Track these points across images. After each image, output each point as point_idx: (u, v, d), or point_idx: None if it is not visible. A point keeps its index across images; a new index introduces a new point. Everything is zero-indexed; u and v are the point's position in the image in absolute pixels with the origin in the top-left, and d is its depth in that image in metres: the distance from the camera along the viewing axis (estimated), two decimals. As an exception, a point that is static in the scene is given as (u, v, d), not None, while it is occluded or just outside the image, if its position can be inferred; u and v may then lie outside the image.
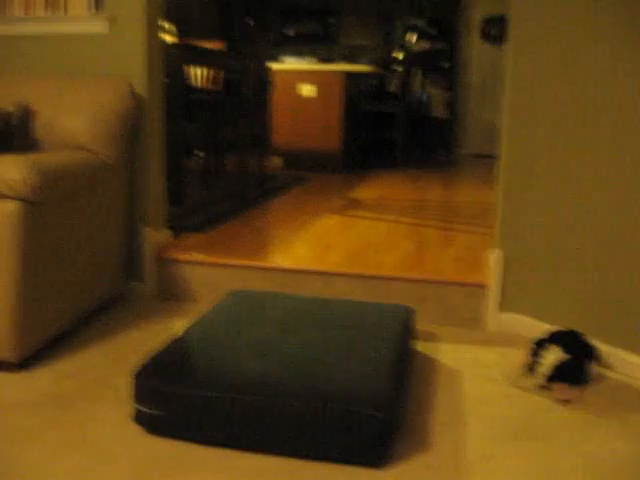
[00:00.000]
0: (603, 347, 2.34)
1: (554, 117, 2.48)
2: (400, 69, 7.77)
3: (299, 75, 6.50)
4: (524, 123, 2.57)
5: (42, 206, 2.22)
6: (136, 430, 1.87)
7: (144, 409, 1.83)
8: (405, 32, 9.26)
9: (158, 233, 3.09)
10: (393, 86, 7.78)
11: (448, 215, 4.36)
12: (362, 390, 1.76)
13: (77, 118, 2.69)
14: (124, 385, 2.15)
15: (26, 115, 2.68)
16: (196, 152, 5.16)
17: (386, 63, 8.52)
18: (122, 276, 2.95)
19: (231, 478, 1.67)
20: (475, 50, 8.92)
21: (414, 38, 8.99)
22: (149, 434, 1.85)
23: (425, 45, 9.02)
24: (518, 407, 2.07)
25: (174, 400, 1.80)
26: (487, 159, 8.22)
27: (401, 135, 7.07)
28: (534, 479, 1.69)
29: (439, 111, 8.35)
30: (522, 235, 2.64)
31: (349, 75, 6.57)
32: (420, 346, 2.54)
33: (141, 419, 1.86)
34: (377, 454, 1.72)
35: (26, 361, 2.28)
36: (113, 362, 2.35)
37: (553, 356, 2.15)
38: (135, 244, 3.02)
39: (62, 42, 2.98)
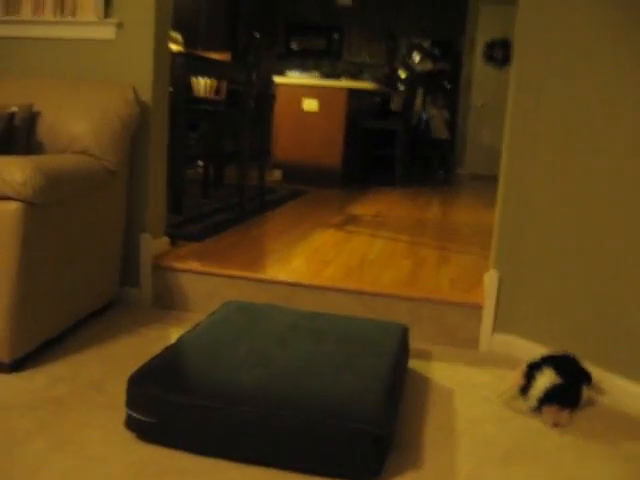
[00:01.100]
0: (596, 371, 2.34)
1: (555, 140, 2.49)
2: (403, 88, 7.81)
3: (302, 89, 6.53)
4: (525, 146, 2.59)
5: (43, 208, 2.23)
6: (128, 436, 1.86)
7: (137, 415, 1.83)
8: (409, 51, 9.32)
9: (156, 240, 3.10)
10: (395, 104, 7.81)
11: (445, 234, 4.37)
12: (357, 406, 1.76)
13: (81, 122, 2.70)
14: (117, 391, 2.15)
15: (30, 116, 2.69)
16: (197, 162, 5.17)
17: (389, 81, 8.56)
18: (118, 281, 2.95)
19: (221, 488, 1.66)
20: (477, 72, 8.98)
21: (418, 57, 9.04)
22: (141, 441, 1.85)
23: (428, 65, 9.07)
24: (510, 429, 2.07)
25: (167, 407, 1.80)
26: (486, 180, 8.26)
27: (401, 153, 7.09)
28: (524, 501, 1.69)
29: (440, 131, 8.38)
30: (518, 257, 2.65)
31: (352, 91, 6.61)
32: (414, 364, 2.54)
33: (133, 425, 1.85)
34: (370, 470, 1.71)
35: (20, 363, 2.27)
36: (107, 367, 2.34)
37: (546, 379, 2.16)
38: (133, 250, 3.02)
39: (69, 46, 3.00)
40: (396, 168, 7.11)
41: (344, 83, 6.67)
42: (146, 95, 2.92)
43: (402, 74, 8.50)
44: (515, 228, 2.66)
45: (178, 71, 4.00)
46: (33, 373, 2.25)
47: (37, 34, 3.02)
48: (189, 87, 4.82)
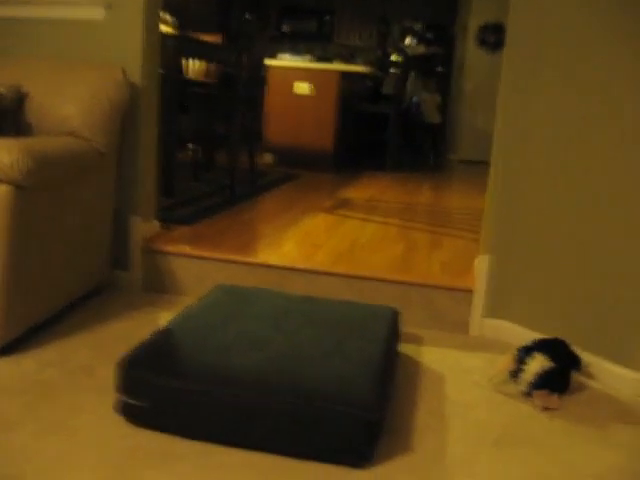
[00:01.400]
0: (587, 356, 2.35)
1: (547, 125, 2.49)
2: (395, 71, 7.77)
3: (294, 72, 6.49)
4: (516, 130, 2.58)
5: (31, 191, 2.20)
6: (119, 420, 1.86)
7: (127, 400, 1.82)
8: (402, 35, 9.27)
9: (147, 223, 3.08)
10: (388, 88, 7.78)
11: (437, 219, 4.37)
12: (348, 390, 1.76)
13: (70, 104, 2.67)
14: (107, 375, 2.14)
15: (18, 98, 2.66)
16: (188, 144, 5.14)
17: (382, 64, 8.52)
18: (109, 265, 2.94)
19: (213, 472, 1.66)
20: (470, 56, 8.95)
21: (410, 41, 9.00)
22: (132, 425, 1.84)
23: (420, 49, 9.03)
24: (500, 413, 2.08)
25: (158, 391, 1.79)
26: (478, 165, 8.25)
27: (393, 137, 7.07)
28: (514, 485, 1.70)
29: (432, 116, 8.34)
30: (509, 241, 2.65)
31: (344, 75, 6.57)
32: (405, 348, 2.54)
33: (124, 410, 1.85)
34: (361, 455, 1.72)
35: (9, 347, 2.26)
36: (97, 351, 2.33)
37: (537, 364, 2.16)
38: (123, 233, 3.00)
39: (57, 26, 2.96)
40: (388, 152, 7.09)
41: (336, 66, 6.64)
42: (136, 77, 2.89)
43: (394, 57, 8.45)
44: (506, 212, 2.65)
45: (169, 53, 3.97)
46: (22, 357, 2.24)
47: (25, 15, 2.97)
48: (180, 69, 4.77)
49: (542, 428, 1.99)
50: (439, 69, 9.01)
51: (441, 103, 8.55)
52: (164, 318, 2.68)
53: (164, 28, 4.52)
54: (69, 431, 1.80)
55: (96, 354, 2.31)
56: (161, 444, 1.77)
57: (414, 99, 8.35)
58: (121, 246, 3.01)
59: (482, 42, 8.84)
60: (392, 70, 8.10)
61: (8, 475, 1.60)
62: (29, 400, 1.95)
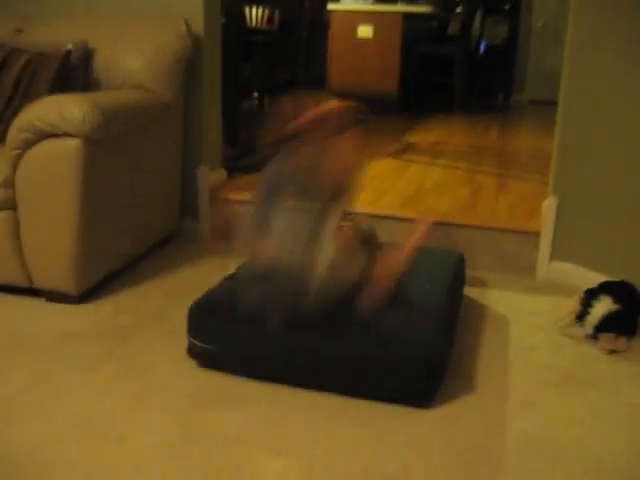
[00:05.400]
0: (655, 299, 2.31)
1: (616, 64, 2.41)
2: (460, 10, 7.56)
3: (356, 16, 6.38)
4: (585, 70, 2.51)
5: (101, 144, 2.27)
6: (190, 363, 1.94)
7: (198, 343, 1.90)
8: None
9: (213, 172, 3.13)
10: (453, 28, 7.58)
11: (504, 162, 4.30)
12: (412, 332, 1.79)
13: (136, 58, 2.71)
14: (179, 319, 2.21)
15: (85, 54, 2.72)
16: (253, 93, 5.17)
17: (447, 4, 8.28)
18: (177, 214, 3.01)
19: (282, 412, 1.72)
20: (539, -10, 8.62)
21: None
22: (203, 368, 1.92)
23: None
24: (565, 355, 2.08)
25: (227, 335, 1.86)
26: (547, 105, 8.02)
27: (459, 78, 6.92)
28: (576, 426, 1.71)
29: (492, 38, 7.92)
30: (577, 183, 2.60)
31: (407, 16, 6.43)
32: (470, 292, 2.54)
33: (195, 353, 1.93)
34: (425, 395, 1.75)
35: (86, 294, 2.37)
36: (169, 297, 2.42)
37: (603, 306, 2.14)
38: (191, 183, 3.06)
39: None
40: (454, 94, 6.94)
41: (399, 8, 6.49)
42: (198, 27, 2.91)
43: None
44: (574, 153, 2.60)
45: (230, 1, 3.96)
46: (98, 304, 2.34)
47: (89, -30, 3.02)
48: (242, 17, 4.77)
49: (606, 371, 1.99)
50: (506, 7, 8.71)
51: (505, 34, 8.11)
52: (232, 265, 2.74)
53: (225, -24, 4.51)
54: (143, 373, 1.89)
55: (168, 300, 2.40)
56: (232, 385, 1.84)
57: (482, 41, 8.06)
58: (189, 196, 3.08)
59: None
60: (458, 10, 7.87)
61: (84, 417, 1.70)
62: (106, 344, 2.05)
